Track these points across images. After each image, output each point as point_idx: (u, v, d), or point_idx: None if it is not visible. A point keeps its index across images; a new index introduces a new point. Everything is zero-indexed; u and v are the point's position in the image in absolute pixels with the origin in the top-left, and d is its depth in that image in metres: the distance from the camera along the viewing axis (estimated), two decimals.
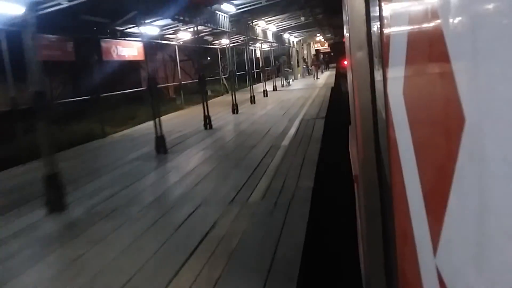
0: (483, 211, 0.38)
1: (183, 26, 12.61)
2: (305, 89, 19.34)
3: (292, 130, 8.62)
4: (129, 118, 13.53)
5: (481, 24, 0.36)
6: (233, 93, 12.82)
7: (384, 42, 0.93)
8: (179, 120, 12.41)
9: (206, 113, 9.81)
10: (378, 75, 1.09)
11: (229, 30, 12.85)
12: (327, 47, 44.32)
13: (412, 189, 0.68)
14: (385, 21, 0.91)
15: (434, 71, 0.53)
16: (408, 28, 0.67)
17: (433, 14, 0.50)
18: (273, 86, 20.38)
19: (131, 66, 17.33)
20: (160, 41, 14.48)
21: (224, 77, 22.89)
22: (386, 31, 0.90)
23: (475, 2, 0.37)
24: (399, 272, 0.93)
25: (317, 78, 27.23)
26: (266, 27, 18.46)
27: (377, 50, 1.07)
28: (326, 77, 28.19)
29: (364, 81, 1.27)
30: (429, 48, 0.55)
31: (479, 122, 0.37)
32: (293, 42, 29.26)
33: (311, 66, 30.93)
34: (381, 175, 1.20)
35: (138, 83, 17.39)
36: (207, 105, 10.05)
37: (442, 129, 0.50)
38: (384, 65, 0.94)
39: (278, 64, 26.37)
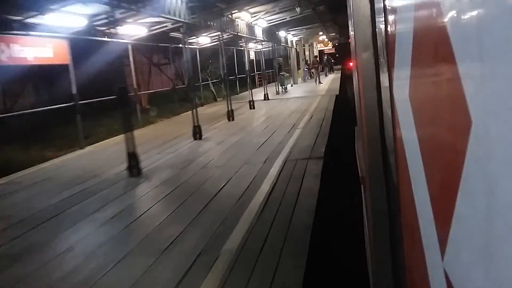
0: (491, 213, 0.37)
1: (126, 16, 9.14)
2: (303, 98, 15.67)
3: (263, 189, 4.72)
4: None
5: (487, 24, 0.35)
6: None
7: (390, 43, 0.92)
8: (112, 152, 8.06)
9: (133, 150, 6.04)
10: (384, 76, 1.09)
11: (186, 21, 8.85)
12: (331, 47, 40.51)
13: (419, 191, 0.68)
14: (390, 22, 0.91)
15: (440, 72, 0.53)
16: (413, 29, 0.67)
17: (438, 15, 0.50)
18: (265, 95, 16.37)
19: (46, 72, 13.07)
20: (97, 38, 10.19)
21: (213, 83, 20.37)
22: (391, 32, 0.89)
23: (480, 3, 0.37)
24: (407, 274, 0.92)
25: (319, 82, 23.45)
26: (253, 21, 14.53)
27: (383, 51, 1.07)
28: (330, 81, 24.31)
29: (370, 82, 1.27)
30: (434, 49, 0.55)
31: (486, 124, 0.37)
32: (291, 41, 25.73)
33: (312, 69, 27.07)
34: (388, 176, 1.19)
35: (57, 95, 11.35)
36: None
37: (449, 131, 0.50)
38: (390, 66, 0.93)
39: (277, 66, 23.61)
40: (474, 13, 0.38)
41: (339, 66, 38.92)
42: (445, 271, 0.53)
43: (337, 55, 49.15)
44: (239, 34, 13.17)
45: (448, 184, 0.50)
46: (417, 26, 0.65)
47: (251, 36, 14.96)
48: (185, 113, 13.64)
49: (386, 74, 1.01)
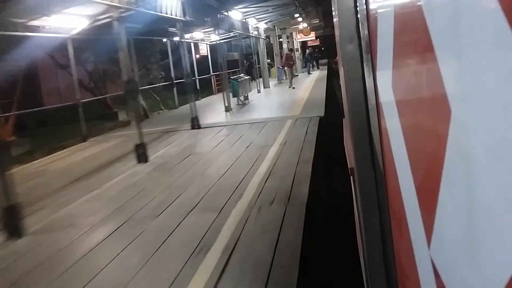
0: (472, 202, 0.38)
1: None
2: (259, 126, 8.38)
3: None
4: None
5: (464, 15, 0.35)
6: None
7: (372, 34, 0.92)
8: None
9: None
10: (368, 68, 1.09)
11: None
12: (315, 39, 31.81)
13: (405, 182, 0.68)
14: (372, 13, 0.91)
15: (420, 62, 0.53)
16: (394, 20, 0.67)
17: (417, 6, 0.50)
18: (192, 123, 9.15)
19: None
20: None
21: (146, 90, 14.59)
22: (373, 23, 0.89)
23: None
24: (397, 264, 0.93)
25: (292, 87, 15.98)
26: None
27: (366, 43, 1.07)
28: (312, 82, 17.50)
29: (355, 73, 1.27)
30: (414, 40, 0.55)
31: (464, 114, 0.37)
32: (257, 28, 17.69)
33: (283, 67, 19.21)
34: (376, 167, 1.20)
35: None
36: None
37: (430, 121, 0.50)
38: (373, 58, 0.93)
39: (247, 64, 19.58)
40: (451, 4, 0.38)
41: (325, 60, 34.29)
42: (431, 260, 0.54)
43: (323, 48, 44.85)
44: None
45: (431, 174, 0.50)
46: (397, 17, 0.65)
47: (178, 18, 8.62)
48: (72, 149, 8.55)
49: (370, 65, 1.01)
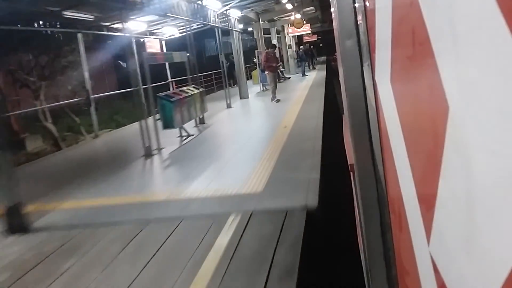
0: (470, 197, 0.38)
1: None
2: (160, 235, 3.19)
3: None
4: None
5: (462, 11, 0.35)
6: None
7: (370, 30, 0.92)
8: None
9: None
10: (366, 64, 1.09)
11: None
12: (310, 33, 26.21)
13: (404, 178, 0.68)
14: (370, 9, 0.90)
15: (418, 58, 0.53)
16: (391, 15, 0.66)
17: (415, 2, 0.50)
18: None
19: None
20: None
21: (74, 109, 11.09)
22: (371, 19, 0.89)
23: None
24: (397, 260, 0.93)
25: (276, 100, 11.41)
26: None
27: (365, 39, 1.07)
28: (306, 90, 13.13)
29: (354, 69, 1.27)
30: (412, 36, 0.55)
31: (462, 110, 0.37)
32: (232, 20, 12.77)
33: (265, 71, 12.80)
34: (375, 164, 1.20)
35: None
36: None
37: (429, 117, 0.50)
38: (372, 53, 0.93)
39: (227, 65, 13.54)
40: (449, 0, 0.38)
41: (324, 58, 30.12)
42: (431, 255, 0.54)
43: (321, 45, 41.53)
44: None
45: (430, 170, 0.51)
46: (395, 13, 0.65)
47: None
48: None
49: (368, 62, 1.01)
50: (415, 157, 0.61)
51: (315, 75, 19.43)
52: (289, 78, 19.20)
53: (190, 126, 8.17)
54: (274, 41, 19.73)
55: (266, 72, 12.30)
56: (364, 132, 1.26)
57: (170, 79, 13.86)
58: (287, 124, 7.55)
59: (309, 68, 23.91)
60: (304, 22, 21.72)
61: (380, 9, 0.77)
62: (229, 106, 11.51)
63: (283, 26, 21.97)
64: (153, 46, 12.41)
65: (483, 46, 0.32)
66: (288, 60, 22.50)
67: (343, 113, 2.16)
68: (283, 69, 19.69)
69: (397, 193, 0.76)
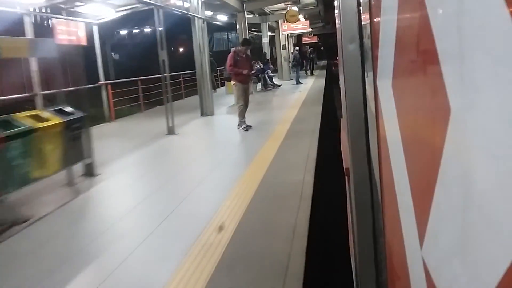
0: (467, 203, 0.38)
1: None
2: None
3: None
4: None
5: (467, 16, 0.36)
6: None
7: (374, 34, 0.93)
8: None
9: None
10: (368, 68, 1.09)
11: None
12: (309, 31, 21.22)
13: (400, 182, 0.69)
14: (375, 13, 0.91)
15: (422, 63, 0.53)
16: (396, 20, 0.67)
17: (420, 7, 0.50)
18: None
19: None
20: None
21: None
22: (375, 24, 0.90)
23: None
24: (388, 264, 0.93)
25: (244, 127, 7.47)
26: None
27: (368, 43, 1.07)
28: (294, 111, 9.14)
29: (355, 73, 1.27)
30: (417, 40, 0.55)
31: (464, 114, 0.37)
32: (194, 2, 9.34)
33: (232, 80, 7.72)
34: (372, 168, 1.20)
35: None
36: None
37: (429, 122, 0.50)
38: (374, 58, 0.94)
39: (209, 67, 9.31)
40: (455, 4, 0.38)
41: (324, 62, 27.09)
42: (423, 261, 0.54)
43: (322, 48, 38.59)
44: None
45: (427, 176, 0.51)
46: (400, 18, 0.65)
47: None
48: None
49: (371, 66, 1.02)
50: (413, 162, 0.61)
51: (312, 84, 15.78)
52: (280, 86, 15.58)
53: (58, 184, 4.34)
54: (267, 38, 16.69)
55: (233, 83, 7.63)
56: (362, 136, 1.27)
57: (102, 81, 10.11)
58: (230, 215, 3.45)
59: (306, 73, 20.70)
60: (303, 18, 18.65)
61: (386, 13, 0.77)
62: (170, 132, 7.51)
63: (278, 23, 18.45)
64: (72, 32, 8.13)
65: (489, 51, 0.32)
66: (281, 64, 19.02)
67: (341, 117, 2.17)
68: (272, 74, 15.98)
69: (392, 198, 0.76)
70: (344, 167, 1.66)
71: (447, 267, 0.45)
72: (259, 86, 15.06)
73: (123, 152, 6.20)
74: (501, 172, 0.31)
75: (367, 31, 1.08)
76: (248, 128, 7.46)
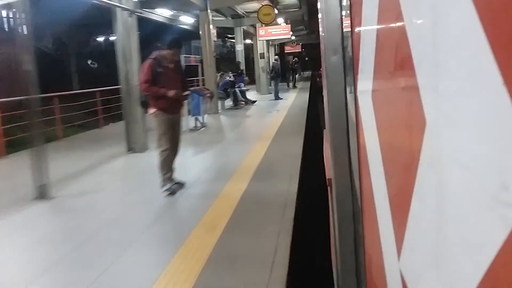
0: (441, 214, 0.38)
1: None
2: None
3: None
4: None
5: (441, 28, 0.36)
6: None
7: (355, 48, 0.93)
8: None
9: None
10: (349, 79, 1.10)
11: None
12: (289, 36, 17.76)
13: (379, 193, 0.69)
14: (356, 25, 0.92)
15: (399, 75, 0.54)
16: (376, 33, 0.68)
17: (398, 19, 0.50)
18: None
19: None
20: None
21: None
22: (356, 36, 0.91)
23: (436, 7, 0.37)
24: (367, 273, 0.93)
25: (168, 189, 4.28)
26: None
27: (349, 56, 1.08)
28: (267, 140, 6.67)
29: (337, 84, 1.28)
30: (395, 53, 0.56)
31: (438, 126, 0.37)
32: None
33: (152, 109, 4.28)
34: (353, 178, 1.21)
35: None
36: None
37: (406, 133, 0.51)
38: (355, 69, 0.95)
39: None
40: (430, 17, 0.39)
41: (308, 73, 25.05)
42: (400, 273, 0.54)
43: (306, 58, 36.21)
44: None
45: (404, 187, 0.51)
46: (379, 31, 0.66)
47: None
48: None
49: (352, 77, 1.03)
50: (391, 173, 0.61)
51: (294, 100, 13.35)
52: (254, 102, 13.13)
53: None
54: (241, 45, 13.81)
55: (151, 112, 4.45)
56: (344, 146, 1.28)
57: None
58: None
59: (288, 86, 18.21)
60: (284, 22, 16.15)
61: (366, 25, 0.78)
62: (42, 196, 4.33)
63: (255, 28, 15.60)
64: None
65: (463, 64, 0.32)
66: (260, 75, 16.32)
67: (324, 128, 2.19)
68: (245, 88, 13.35)
69: (371, 208, 0.76)
70: (327, 177, 1.66)
71: (423, 280, 0.45)
72: (228, 102, 12.38)
73: None
74: (474, 184, 0.31)
75: (348, 43, 1.09)
76: (176, 189, 4.43)
